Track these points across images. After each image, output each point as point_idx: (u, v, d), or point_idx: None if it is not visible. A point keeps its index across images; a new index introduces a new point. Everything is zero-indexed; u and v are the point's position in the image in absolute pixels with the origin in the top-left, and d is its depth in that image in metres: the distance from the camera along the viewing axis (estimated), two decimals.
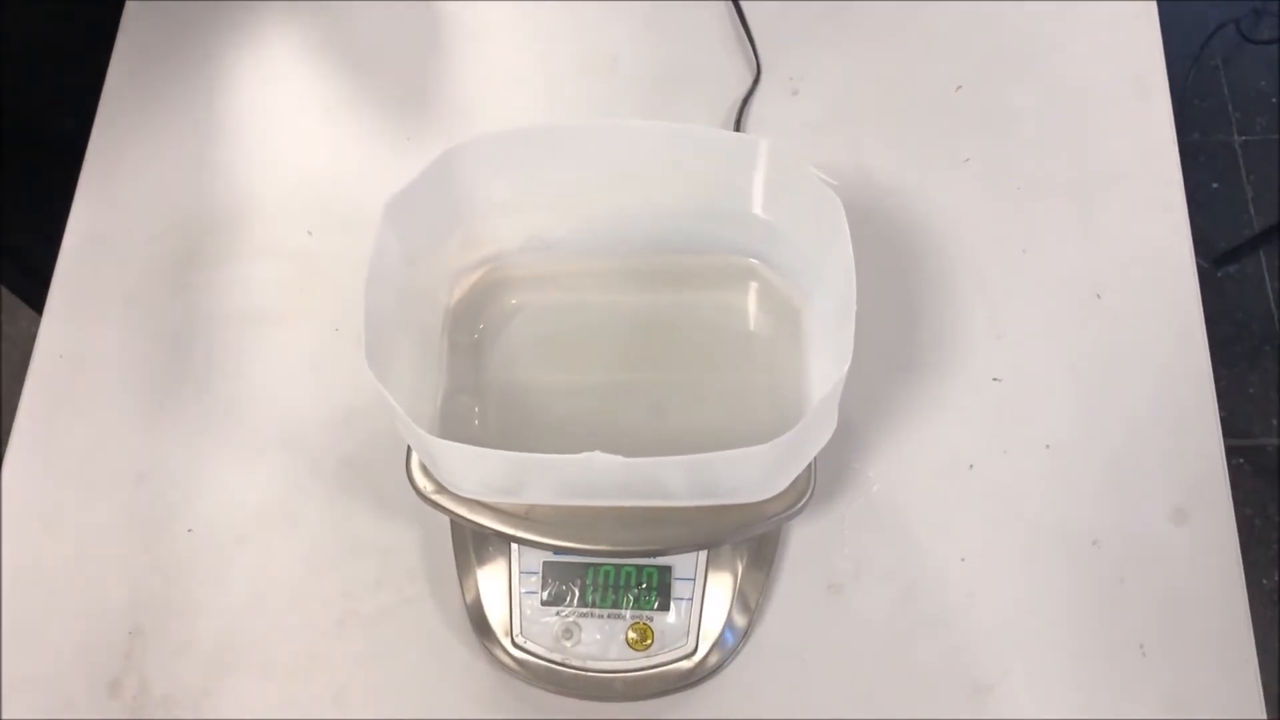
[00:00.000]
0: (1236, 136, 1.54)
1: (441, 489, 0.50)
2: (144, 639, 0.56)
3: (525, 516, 0.50)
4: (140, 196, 0.67)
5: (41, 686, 0.56)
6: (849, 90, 0.68)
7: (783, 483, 0.48)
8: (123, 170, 0.68)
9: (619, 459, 0.41)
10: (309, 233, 0.65)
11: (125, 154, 0.69)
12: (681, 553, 0.53)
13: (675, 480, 0.46)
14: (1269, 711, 0.52)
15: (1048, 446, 0.57)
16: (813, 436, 0.46)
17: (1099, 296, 0.61)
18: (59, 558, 0.58)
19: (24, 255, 0.85)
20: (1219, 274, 1.43)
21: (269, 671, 0.55)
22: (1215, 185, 1.51)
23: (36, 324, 0.65)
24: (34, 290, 0.86)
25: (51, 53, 0.89)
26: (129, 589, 0.57)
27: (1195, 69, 1.57)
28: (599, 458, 0.41)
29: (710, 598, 0.53)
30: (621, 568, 0.53)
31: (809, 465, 0.50)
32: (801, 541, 0.56)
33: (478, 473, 0.47)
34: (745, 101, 0.67)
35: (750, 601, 0.54)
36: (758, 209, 0.52)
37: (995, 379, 0.59)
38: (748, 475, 0.46)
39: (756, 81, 0.67)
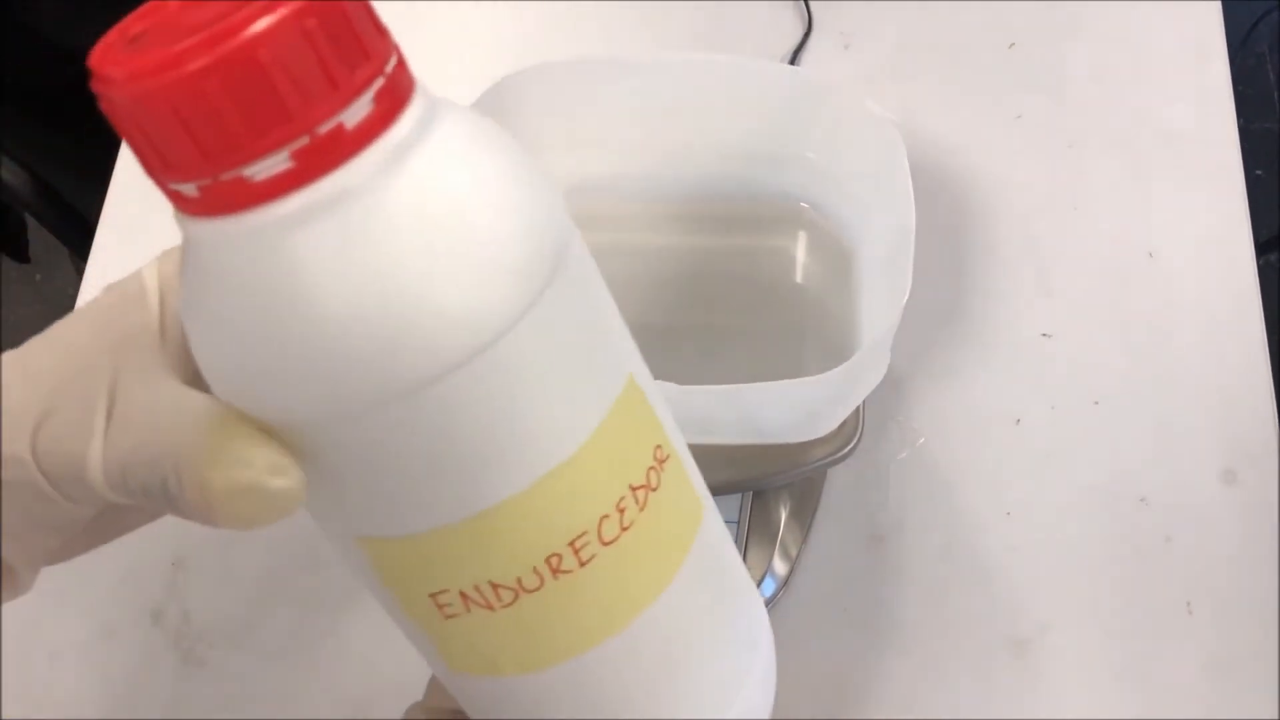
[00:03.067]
0: None
1: None
2: (186, 571, 0.57)
3: None
4: None
5: (85, 615, 0.56)
6: (901, 46, 0.67)
7: (831, 423, 0.48)
8: None
9: (673, 385, 0.41)
10: None
11: None
12: (726, 493, 0.52)
13: (725, 414, 0.45)
14: None
15: (1096, 403, 0.57)
16: (865, 374, 0.46)
17: (1151, 255, 0.60)
18: None
19: (70, 201, 0.86)
20: (1260, 262, 1.41)
21: (311, 604, 0.56)
22: (1259, 173, 1.49)
23: (74, 283, 0.65)
24: (79, 236, 0.86)
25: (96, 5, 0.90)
26: (171, 519, 0.57)
27: (1240, 56, 1.55)
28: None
29: (752, 544, 0.53)
30: None
31: (856, 410, 0.49)
32: (844, 492, 0.56)
33: None
34: (796, 55, 0.66)
35: (791, 550, 0.54)
36: (811, 152, 0.52)
37: (1044, 335, 0.58)
38: (798, 412, 0.46)
39: (807, 35, 0.67)
